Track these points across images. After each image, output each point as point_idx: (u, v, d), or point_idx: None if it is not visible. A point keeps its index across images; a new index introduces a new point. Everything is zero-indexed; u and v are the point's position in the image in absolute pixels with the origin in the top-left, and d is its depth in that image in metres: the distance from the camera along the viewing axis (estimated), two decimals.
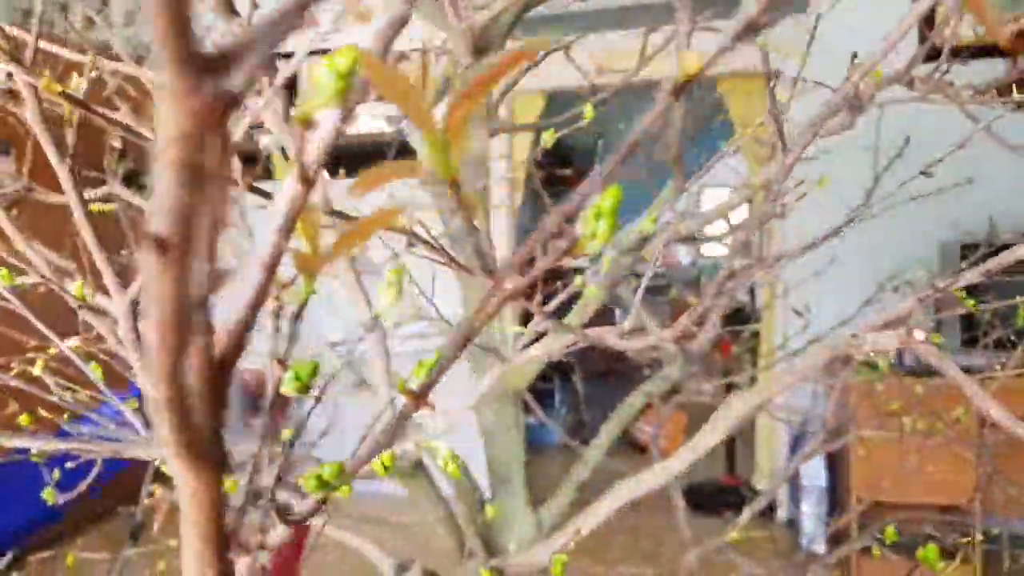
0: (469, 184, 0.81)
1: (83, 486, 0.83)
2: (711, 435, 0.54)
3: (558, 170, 5.67)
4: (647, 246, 0.85)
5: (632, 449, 4.92)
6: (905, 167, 1.17)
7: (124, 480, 2.32)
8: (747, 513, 0.95)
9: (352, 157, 0.98)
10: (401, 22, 0.21)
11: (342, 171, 0.97)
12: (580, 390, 4.84)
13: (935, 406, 2.04)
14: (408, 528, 0.78)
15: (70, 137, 0.66)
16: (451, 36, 0.74)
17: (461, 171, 0.75)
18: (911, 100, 0.73)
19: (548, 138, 0.77)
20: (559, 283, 0.67)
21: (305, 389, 0.33)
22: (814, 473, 2.69)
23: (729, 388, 3.94)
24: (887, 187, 1.15)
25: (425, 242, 0.90)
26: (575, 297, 0.79)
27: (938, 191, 1.27)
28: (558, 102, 3.95)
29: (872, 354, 0.44)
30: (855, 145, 1.08)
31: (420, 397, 0.28)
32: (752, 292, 4.24)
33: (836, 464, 2.69)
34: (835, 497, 2.71)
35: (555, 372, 4.76)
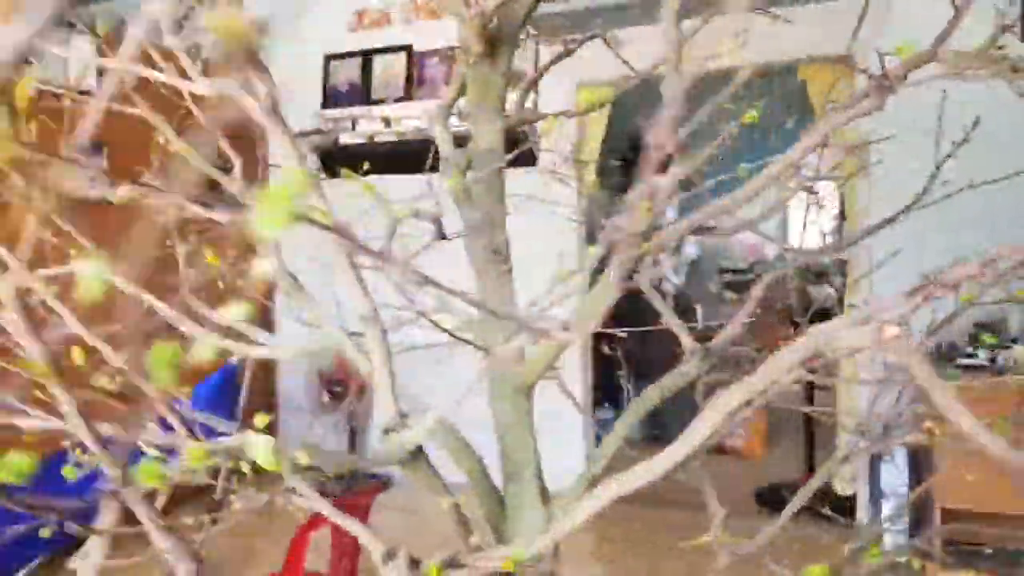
0: (481, 174, 0.80)
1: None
2: (700, 429, 0.52)
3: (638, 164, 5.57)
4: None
5: (713, 449, 4.81)
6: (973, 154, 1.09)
7: None
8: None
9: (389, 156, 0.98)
10: None
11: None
12: (626, 386, 4.76)
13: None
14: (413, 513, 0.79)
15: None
16: (460, 23, 0.73)
17: (474, 161, 0.74)
18: (944, 75, 0.67)
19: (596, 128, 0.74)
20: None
21: None
22: (896, 479, 2.55)
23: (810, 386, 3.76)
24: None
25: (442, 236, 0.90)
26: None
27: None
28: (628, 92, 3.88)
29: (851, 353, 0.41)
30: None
31: None
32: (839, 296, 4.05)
33: (919, 468, 2.53)
34: (917, 504, 2.56)
35: (627, 368, 4.70)
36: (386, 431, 0.66)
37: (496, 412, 0.82)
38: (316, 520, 1.75)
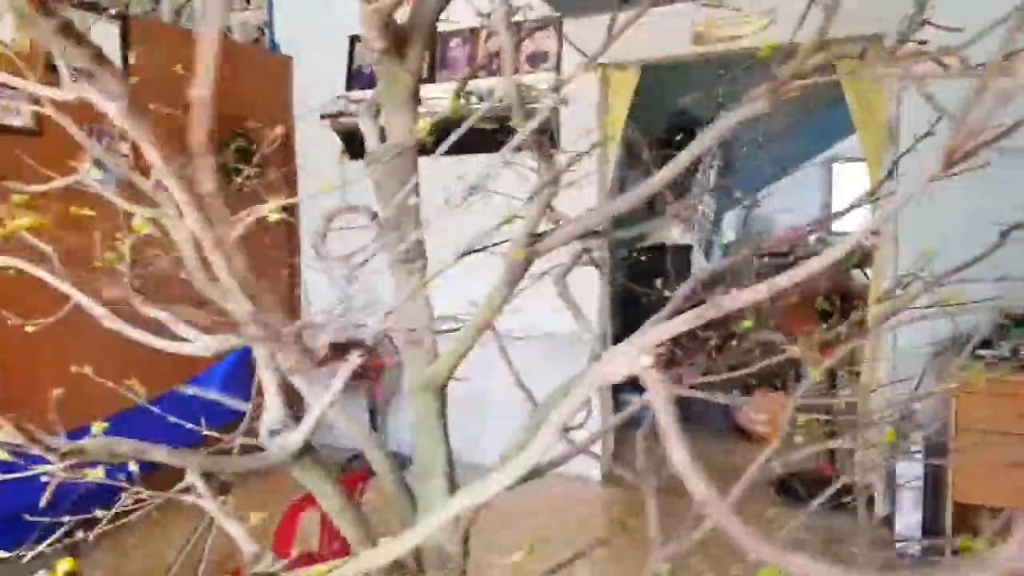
0: (395, 168, 0.79)
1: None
2: (565, 407, 0.50)
3: (677, 137, 5.49)
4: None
5: (739, 435, 4.74)
6: None
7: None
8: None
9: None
10: None
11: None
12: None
13: None
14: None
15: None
16: (363, 15, 0.72)
17: (384, 156, 0.73)
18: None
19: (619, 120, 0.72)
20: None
21: None
22: (912, 472, 2.47)
23: (832, 376, 3.67)
24: None
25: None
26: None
27: None
28: (659, 72, 3.81)
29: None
30: None
31: None
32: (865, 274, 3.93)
33: (935, 464, 2.45)
34: (932, 497, 2.48)
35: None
36: (271, 433, 0.66)
37: (413, 411, 0.81)
38: (305, 501, 1.79)
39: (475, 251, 0.70)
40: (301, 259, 4.10)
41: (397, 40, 0.76)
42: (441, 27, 4.17)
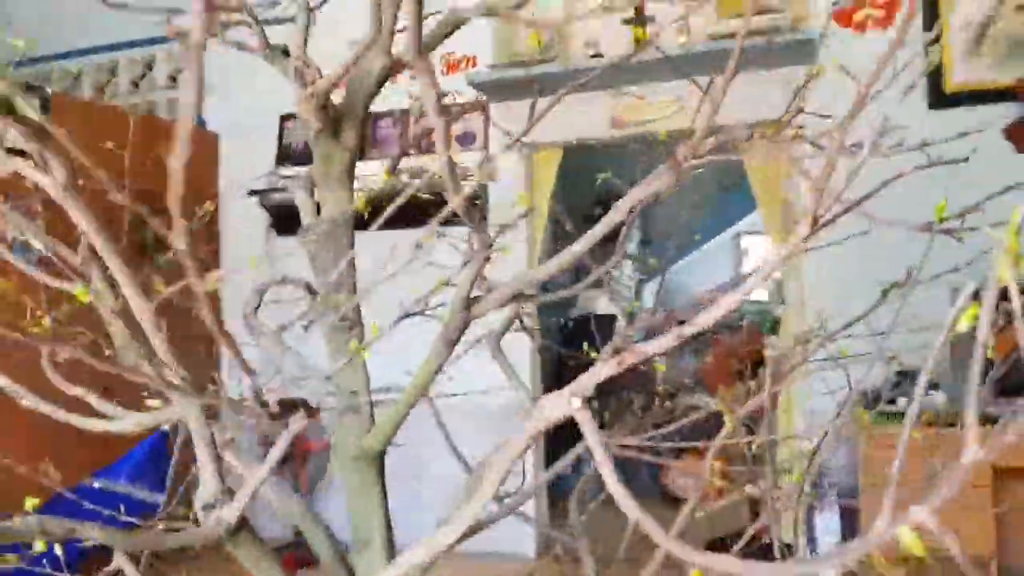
0: (331, 241, 0.82)
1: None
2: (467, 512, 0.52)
3: (598, 211, 5.75)
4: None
5: (668, 501, 4.76)
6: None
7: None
8: None
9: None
10: None
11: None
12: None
13: (950, 456, 1.92)
14: None
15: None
16: (297, 100, 0.76)
17: (318, 230, 0.75)
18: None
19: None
20: None
21: None
22: (829, 525, 2.56)
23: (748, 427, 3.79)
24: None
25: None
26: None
27: None
28: (577, 154, 4.00)
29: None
30: None
31: None
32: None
33: (849, 515, 2.55)
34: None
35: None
36: (205, 508, 0.66)
37: (344, 481, 0.82)
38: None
39: (412, 315, 0.73)
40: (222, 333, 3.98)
41: (333, 120, 0.80)
42: (372, 107, 4.27)
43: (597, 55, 3.88)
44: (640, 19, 3.78)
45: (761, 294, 6.36)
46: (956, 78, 3.28)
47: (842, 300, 1.76)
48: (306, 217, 0.88)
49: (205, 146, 4.24)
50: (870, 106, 0.78)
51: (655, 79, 3.62)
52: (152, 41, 4.34)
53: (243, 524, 0.68)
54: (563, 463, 0.91)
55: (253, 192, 4.06)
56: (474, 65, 4.01)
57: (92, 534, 0.57)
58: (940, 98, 3.28)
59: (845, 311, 1.15)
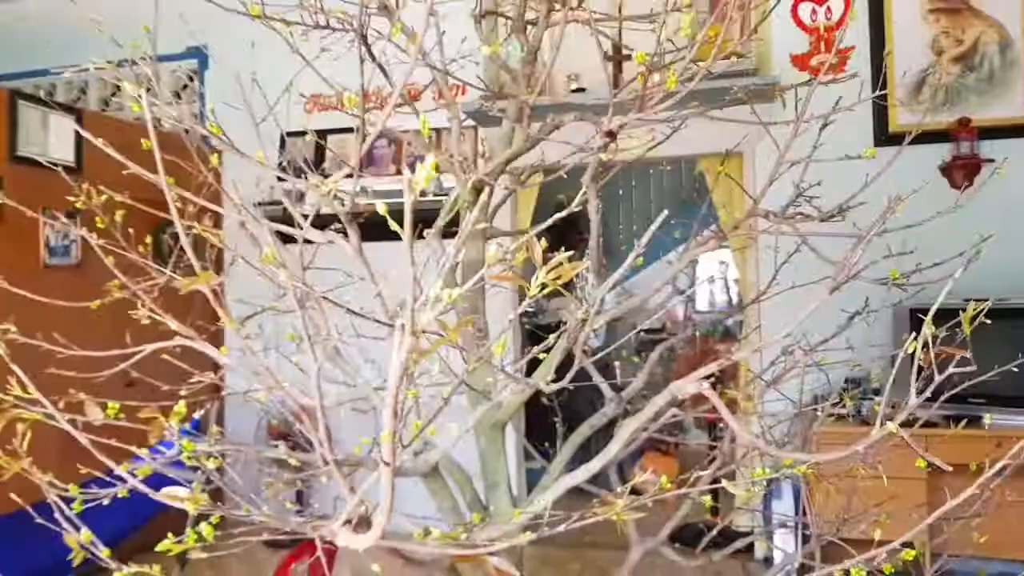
0: (470, 271, 1.16)
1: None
2: (612, 447, 0.87)
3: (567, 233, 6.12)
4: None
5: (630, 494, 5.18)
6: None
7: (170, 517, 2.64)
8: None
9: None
10: None
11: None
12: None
13: (889, 453, 2.34)
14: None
15: None
16: (457, 184, 1.11)
17: (462, 274, 1.13)
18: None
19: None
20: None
21: None
22: (785, 512, 2.97)
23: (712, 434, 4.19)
24: None
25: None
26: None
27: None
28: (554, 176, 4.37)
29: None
30: None
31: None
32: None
33: (801, 504, 2.97)
34: (804, 535, 2.99)
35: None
36: (416, 453, 1.00)
37: (479, 443, 1.16)
38: (298, 553, 2.00)
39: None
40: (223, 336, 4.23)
41: (476, 192, 1.14)
42: (368, 129, 4.52)
43: (579, 89, 4.27)
44: (618, 56, 4.19)
45: (717, 303, 6.87)
46: (900, 119, 3.78)
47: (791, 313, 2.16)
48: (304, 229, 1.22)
49: (211, 159, 4.47)
50: (824, 141, 1.15)
51: (630, 111, 4.00)
52: (160, 59, 4.55)
53: (436, 467, 1.02)
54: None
55: (258, 204, 4.32)
56: (464, 93, 4.36)
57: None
58: (885, 136, 3.76)
59: (792, 321, 1.43)
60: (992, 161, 3.53)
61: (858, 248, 1.09)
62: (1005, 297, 2.84)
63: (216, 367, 1.04)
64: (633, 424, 0.85)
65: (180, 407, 0.77)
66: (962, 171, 3.47)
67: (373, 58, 1.07)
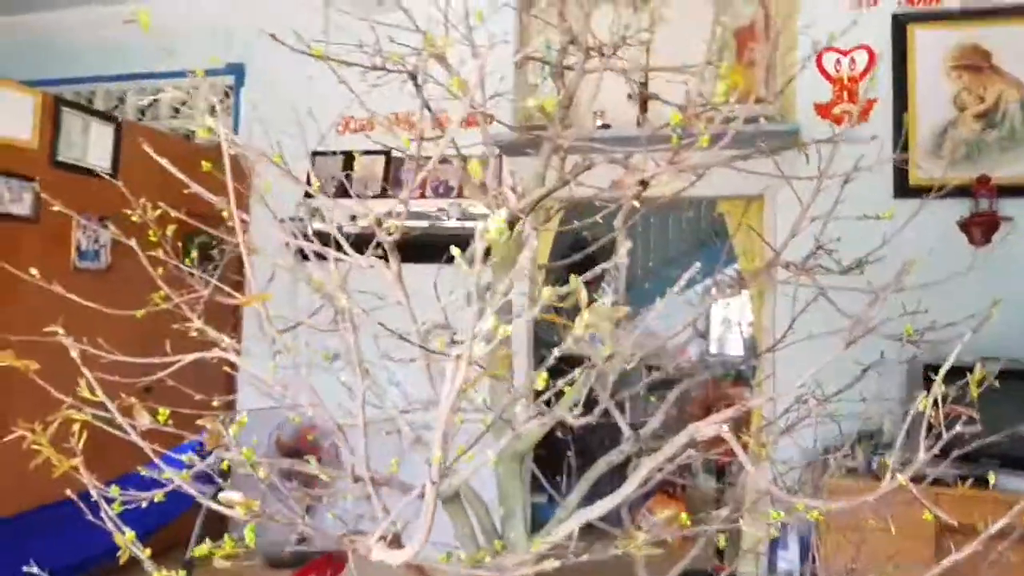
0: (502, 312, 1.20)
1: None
2: (628, 486, 0.90)
3: (586, 265, 6.19)
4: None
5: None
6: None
7: (180, 522, 2.66)
8: None
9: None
10: None
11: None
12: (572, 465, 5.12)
13: (897, 509, 2.34)
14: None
15: None
16: (492, 216, 1.15)
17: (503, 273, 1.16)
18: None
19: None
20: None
21: None
22: (790, 561, 2.96)
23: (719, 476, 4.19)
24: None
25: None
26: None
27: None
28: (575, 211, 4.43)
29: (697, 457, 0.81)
30: None
31: None
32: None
33: (808, 548, 2.96)
34: None
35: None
36: (441, 478, 1.03)
37: (498, 472, 1.19)
38: (312, 568, 2.03)
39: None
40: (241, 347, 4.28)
41: (510, 225, 1.19)
42: (396, 154, 4.64)
43: (605, 125, 4.34)
44: (644, 94, 4.27)
45: (735, 349, 6.88)
46: (920, 172, 3.80)
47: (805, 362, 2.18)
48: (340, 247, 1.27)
49: (241, 174, 4.58)
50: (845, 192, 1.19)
51: (653, 150, 4.05)
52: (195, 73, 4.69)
53: (457, 494, 1.05)
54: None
55: (283, 220, 4.40)
56: (490, 122, 4.45)
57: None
58: (905, 189, 3.78)
59: (806, 371, 1.43)
60: (1011, 220, 3.55)
61: (874, 306, 1.12)
62: (1018, 358, 2.85)
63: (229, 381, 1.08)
64: (650, 463, 0.88)
65: (243, 418, 0.82)
66: (980, 228, 3.49)
67: (426, 105, 1.13)
